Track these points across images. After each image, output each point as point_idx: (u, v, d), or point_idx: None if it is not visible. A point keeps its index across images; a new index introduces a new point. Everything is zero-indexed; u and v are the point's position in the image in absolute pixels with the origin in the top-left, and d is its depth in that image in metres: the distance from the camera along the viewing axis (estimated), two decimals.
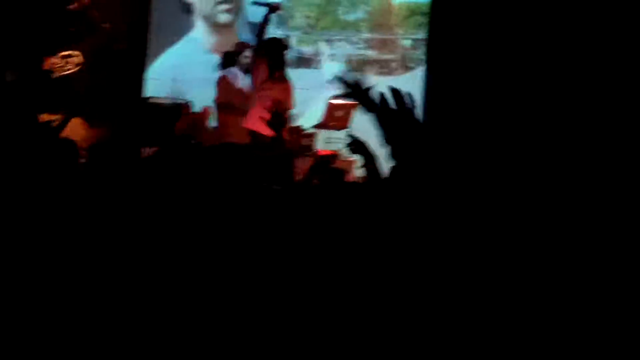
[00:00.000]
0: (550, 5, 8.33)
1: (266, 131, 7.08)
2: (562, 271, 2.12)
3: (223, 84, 7.67)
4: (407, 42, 9.46)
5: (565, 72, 8.24)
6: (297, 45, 9.46)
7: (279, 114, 6.29)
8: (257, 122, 7.12)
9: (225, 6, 9.12)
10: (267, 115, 6.99)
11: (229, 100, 7.45)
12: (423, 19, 9.38)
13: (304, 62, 9.46)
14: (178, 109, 7.74)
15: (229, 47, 8.68)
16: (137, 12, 8.68)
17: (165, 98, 7.88)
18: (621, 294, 1.96)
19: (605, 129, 7.53)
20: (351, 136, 3.00)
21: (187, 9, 9.15)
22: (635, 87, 7.77)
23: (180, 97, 7.96)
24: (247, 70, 7.48)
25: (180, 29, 9.21)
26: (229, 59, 7.79)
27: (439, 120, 8.64)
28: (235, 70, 7.65)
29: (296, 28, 9.46)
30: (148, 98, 8.25)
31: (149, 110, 7.54)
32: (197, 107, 8.41)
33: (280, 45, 7.23)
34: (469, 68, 8.47)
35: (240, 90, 7.49)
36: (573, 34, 8.25)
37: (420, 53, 9.39)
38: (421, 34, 9.39)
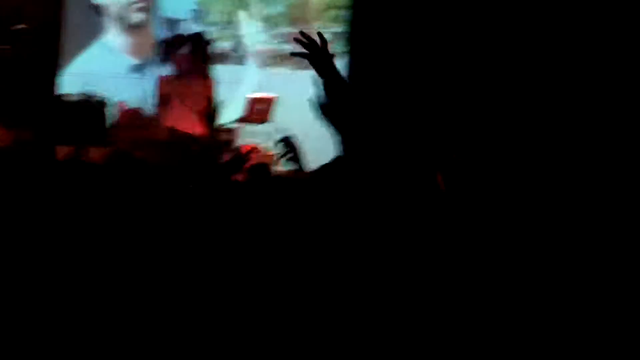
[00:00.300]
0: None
1: (195, 128, 6.95)
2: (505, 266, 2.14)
3: (161, 78, 7.50)
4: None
5: (485, 65, 8.40)
6: (214, 41, 9.41)
7: (213, 110, 6.11)
8: (180, 119, 7.01)
9: (138, 5, 8.93)
10: (196, 112, 6.89)
11: (170, 92, 7.32)
12: (340, 12, 9.44)
13: (222, 57, 9.41)
14: (94, 105, 7.62)
15: (145, 48, 8.57)
16: (50, 11, 8.49)
17: (79, 95, 7.72)
18: (621, 294, 1.97)
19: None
20: (281, 132, 2.99)
21: (97, 11, 8.92)
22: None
23: (95, 94, 7.84)
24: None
25: (95, 31, 8.98)
26: (167, 51, 7.63)
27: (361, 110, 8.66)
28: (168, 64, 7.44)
29: (212, 23, 9.38)
30: (61, 95, 8.08)
31: (63, 107, 7.40)
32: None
33: (202, 40, 7.12)
34: (390, 59, 8.59)
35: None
36: (494, 26, 8.40)
37: (337, 46, 9.43)
38: (338, 28, 9.44)
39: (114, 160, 3.71)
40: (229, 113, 8.72)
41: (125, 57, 8.90)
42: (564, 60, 8.06)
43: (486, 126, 8.14)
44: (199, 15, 9.31)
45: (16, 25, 7.54)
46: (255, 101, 7.91)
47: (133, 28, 8.96)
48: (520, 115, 7.95)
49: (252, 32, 9.42)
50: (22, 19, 7.84)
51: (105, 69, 8.66)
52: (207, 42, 7.28)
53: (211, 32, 9.35)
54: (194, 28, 9.32)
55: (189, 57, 6.96)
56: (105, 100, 8.10)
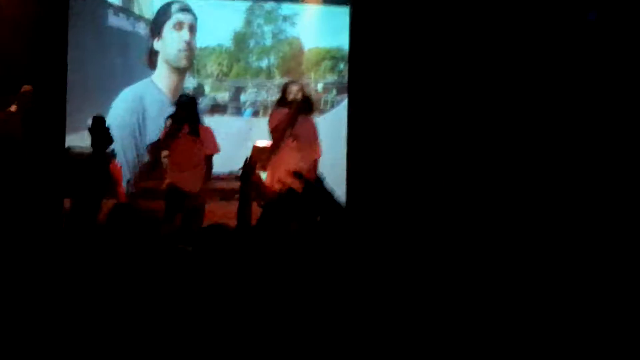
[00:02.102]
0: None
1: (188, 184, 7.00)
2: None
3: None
4: (319, 86, 9.70)
5: (475, 106, 8.64)
6: (211, 93, 9.59)
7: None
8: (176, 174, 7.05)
9: (184, 53, 9.54)
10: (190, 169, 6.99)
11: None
12: (333, 63, 9.67)
13: (219, 109, 9.59)
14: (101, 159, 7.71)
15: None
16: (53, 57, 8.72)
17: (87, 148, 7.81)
18: (621, 294, 2.04)
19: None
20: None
21: (152, 54, 9.49)
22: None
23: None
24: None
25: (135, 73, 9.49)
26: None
27: (362, 158, 8.98)
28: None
29: (209, 76, 9.59)
30: (69, 148, 8.17)
31: (71, 160, 7.47)
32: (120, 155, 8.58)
33: (187, 100, 7.23)
34: (388, 103, 8.84)
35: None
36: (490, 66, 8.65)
37: (331, 96, 9.63)
38: (332, 78, 9.66)
39: (116, 214, 3.77)
40: (231, 162, 8.89)
41: (165, 95, 9.41)
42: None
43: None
44: (194, 68, 9.58)
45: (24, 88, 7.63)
46: (260, 150, 7.90)
47: (178, 71, 9.54)
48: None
49: (246, 84, 9.63)
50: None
51: (149, 101, 9.35)
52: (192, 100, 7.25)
53: (206, 84, 9.57)
54: (189, 80, 9.54)
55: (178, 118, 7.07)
56: (113, 153, 8.28)
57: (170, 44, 9.51)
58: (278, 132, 7.02)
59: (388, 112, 8.92)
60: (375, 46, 9.05)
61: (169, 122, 7.29)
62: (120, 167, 8.37)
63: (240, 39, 9.64)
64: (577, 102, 8.14)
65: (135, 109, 9.30)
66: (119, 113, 9.28)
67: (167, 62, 9.50)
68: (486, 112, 8.69)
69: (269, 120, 7.23)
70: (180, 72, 9.56)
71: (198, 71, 9.58)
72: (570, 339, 2.12)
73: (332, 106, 9.60)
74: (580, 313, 2.16)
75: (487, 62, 8.72)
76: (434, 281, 2.38)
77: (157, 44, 9.49)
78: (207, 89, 9.61)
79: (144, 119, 9.28)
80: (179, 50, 9.49)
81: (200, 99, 9.50)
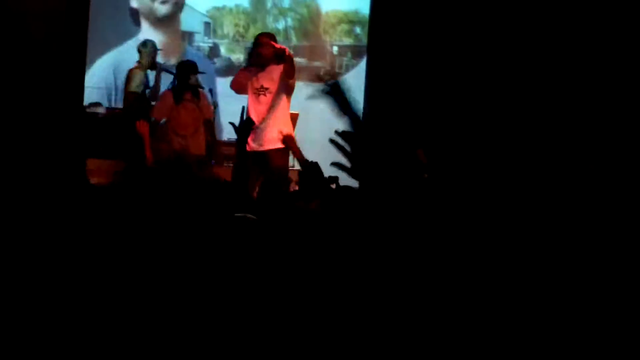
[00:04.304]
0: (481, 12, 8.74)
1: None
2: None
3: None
4: (335, 49, 9.68)
5: (493, 72, 8.62)
6: (227, 53, 9.58)
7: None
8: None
9: None
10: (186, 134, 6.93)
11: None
12: (349, 27, 9.64)
13: (233, 70, 9.57)
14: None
15: (173, 47, 9.00)
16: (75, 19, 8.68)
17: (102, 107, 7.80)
18: (621, 294, 2.05)
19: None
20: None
21: (132, 13, 9.27)
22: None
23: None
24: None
25: (121, 34, 9.25)
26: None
27: (380, 119, 8.97)
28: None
29: (225, 36, 9.57)
30: (87, 106, 8.14)
31: (88, 119, 7.46)
32: None
33: (185, 67, 7.17)
34: (407, 68, 8.84)
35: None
36: (504, 36, 8.63)
37: (347, 59, 9.62)
38: (348, 41, 9.65)
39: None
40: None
41: None
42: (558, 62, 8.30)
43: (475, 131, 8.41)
44: (210, 28, 9.54)
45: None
46: None
47: (161, 22, 9.29)
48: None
49: None
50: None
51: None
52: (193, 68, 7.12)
53: (222, 44, 9.56)
54: (205, 40, 9.52)
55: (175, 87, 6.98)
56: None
57: None
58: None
59: (407, 76, 8.90)
60: (395, 10, 9.00)
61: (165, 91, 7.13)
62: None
63: (258, 0, 9.61)
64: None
65: (107, 77, 9.12)
66: (94, 81, 9.12)
67: (146, 16, 9.27)
68: (508, 77, 8.65)
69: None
70: (164, 23, 9.26)
71: (214, 31, 9.56)
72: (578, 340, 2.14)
73: (347, 70, 9.59)
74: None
75: (509, 30, 8.67)
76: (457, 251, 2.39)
77: (133, 1, 9.30)
78: (222, 49, 9.59)
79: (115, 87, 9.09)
80: None
81: (215, 60, 9.50)
